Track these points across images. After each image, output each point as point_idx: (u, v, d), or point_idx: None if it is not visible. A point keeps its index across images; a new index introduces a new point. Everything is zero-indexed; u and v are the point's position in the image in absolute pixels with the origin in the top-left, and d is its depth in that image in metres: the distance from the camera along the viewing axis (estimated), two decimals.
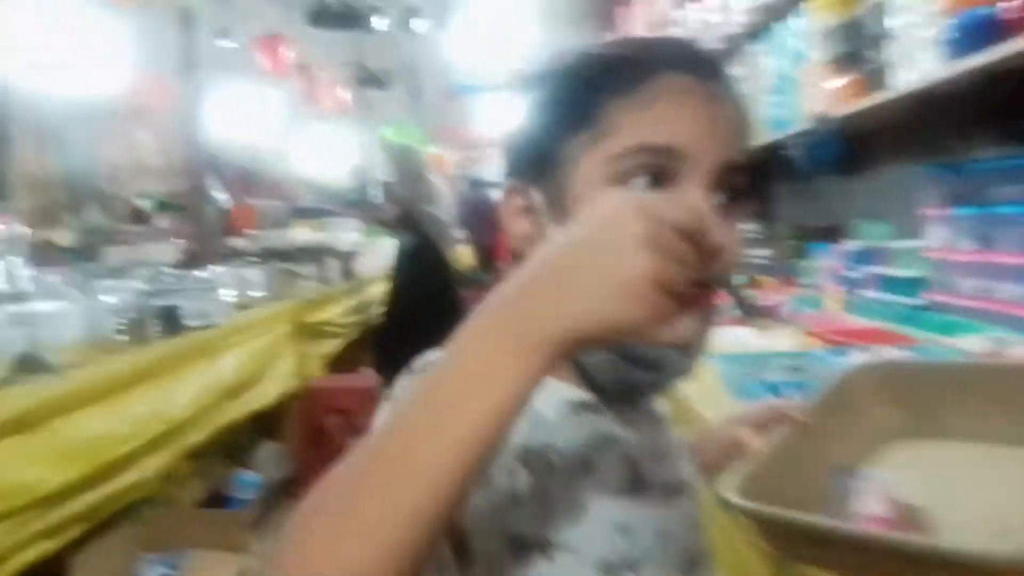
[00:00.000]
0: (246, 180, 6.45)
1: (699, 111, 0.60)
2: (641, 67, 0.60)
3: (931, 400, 0.83)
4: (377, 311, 4.21)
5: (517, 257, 0.65)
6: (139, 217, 5.45)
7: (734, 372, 1.51)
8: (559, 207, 0.62)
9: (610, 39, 0.66)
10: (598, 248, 0.42)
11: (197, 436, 2.37)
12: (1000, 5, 1.53)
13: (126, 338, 2.24)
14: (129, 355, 2.19)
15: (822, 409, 0.81)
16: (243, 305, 3.18)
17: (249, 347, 2.92)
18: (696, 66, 0.61)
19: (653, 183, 0.58)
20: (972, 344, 1.68)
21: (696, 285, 0.56)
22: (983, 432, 0.80)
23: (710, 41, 3.50)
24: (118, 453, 1.94)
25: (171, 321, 2.46)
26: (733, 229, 0.61)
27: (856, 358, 1.57)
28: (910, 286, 2.20)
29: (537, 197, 0.64)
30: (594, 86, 0.61)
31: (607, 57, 0.63)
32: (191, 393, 2.33)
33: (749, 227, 3.65)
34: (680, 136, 0.58)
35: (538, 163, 0.63)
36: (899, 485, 0.71)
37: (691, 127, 0.59)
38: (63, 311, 2.02)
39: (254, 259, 4.05)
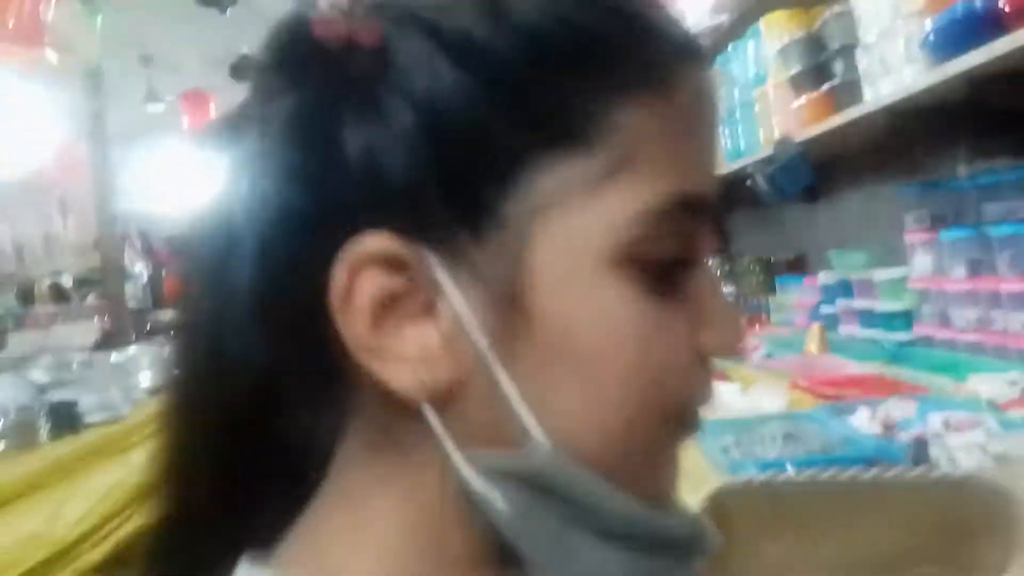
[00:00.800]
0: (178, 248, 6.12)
1: (715, 127, 0.36)
2: (648, 46, 0.32)
3: (816, 523, 0.73)
4: None
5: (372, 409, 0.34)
6: (60, 296, 5.08)
7: (721, 446, 1.24)
8: (498, 299, 0.31)
9: None
10: None
11: (98, 553, 2.03)
12: None
13: (4, 446, 1.90)
14: (4, 467, 1.85)
15: None
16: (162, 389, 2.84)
17: None
18: (700, 52, 0.35)
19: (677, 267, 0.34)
20: (985, 386, 1.46)
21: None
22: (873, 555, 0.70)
23: None
24: None
25: (66, 419, 2.13)
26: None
27: (861, 416, 1.32)
28: (896, 321, 1.98)
29: (440, 274, 0.31)
30: (586, 66, 0.31)
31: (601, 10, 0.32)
32: (88, 503, 1.98)
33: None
34: (709, 176, 0.35)
35: (447, 205, 0.31)
36: None
37: (712, 157, 0.35)
38: None
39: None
